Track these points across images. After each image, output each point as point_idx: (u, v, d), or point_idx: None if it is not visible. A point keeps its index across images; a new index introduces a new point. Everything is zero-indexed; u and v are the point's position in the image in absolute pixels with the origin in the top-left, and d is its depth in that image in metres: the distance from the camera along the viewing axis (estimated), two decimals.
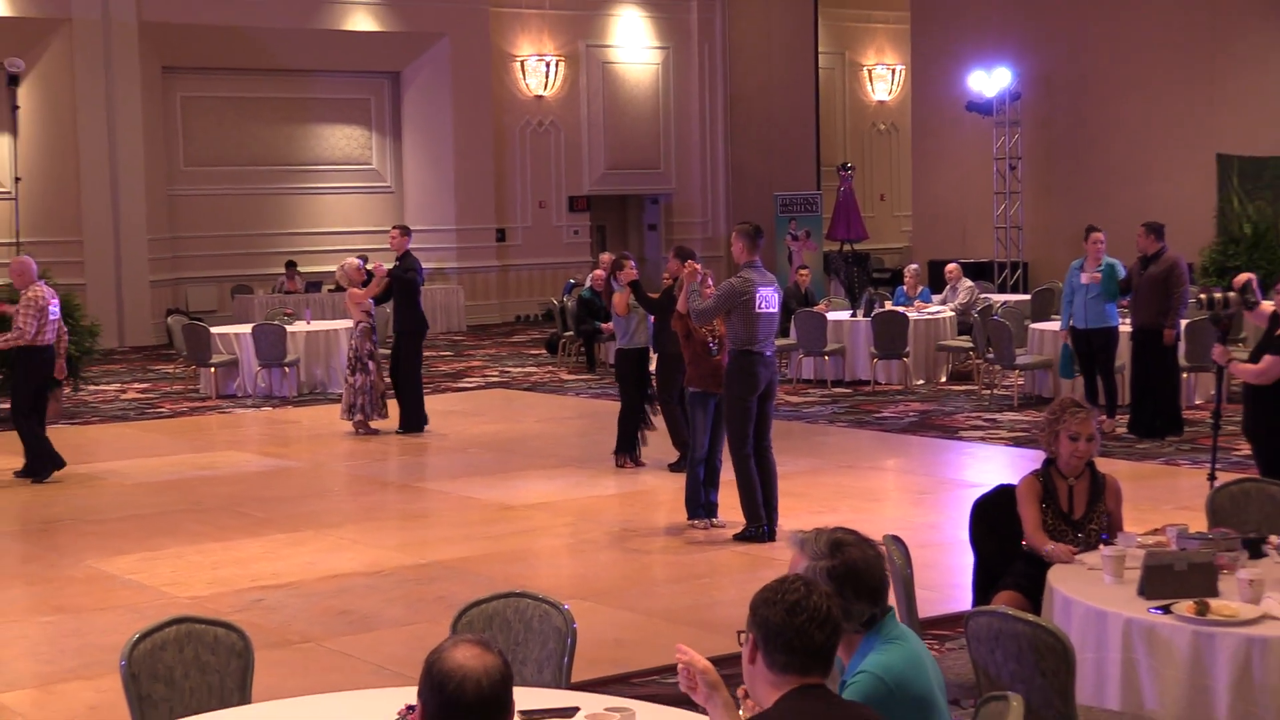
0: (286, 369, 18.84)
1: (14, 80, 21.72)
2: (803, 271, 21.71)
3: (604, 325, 20.81)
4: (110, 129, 25.72)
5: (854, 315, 19.36)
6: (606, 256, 23.06)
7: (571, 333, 21.51)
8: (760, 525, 10.45)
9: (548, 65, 30.20)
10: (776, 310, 10.37)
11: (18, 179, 22.15)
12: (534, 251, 30.32)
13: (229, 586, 9.53)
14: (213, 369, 19.09)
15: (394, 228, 16.23)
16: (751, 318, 10.18)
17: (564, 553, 10.68)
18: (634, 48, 31.37)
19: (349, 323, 20.45)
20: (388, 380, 15.85)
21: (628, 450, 13.50)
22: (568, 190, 30.73)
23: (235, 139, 28.00)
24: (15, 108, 22.14)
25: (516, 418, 17.04)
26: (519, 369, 21.64)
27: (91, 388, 19.29)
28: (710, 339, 10.68)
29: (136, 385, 20.47)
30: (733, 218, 32.22)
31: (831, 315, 19.31)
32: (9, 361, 13.62)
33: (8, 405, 14.41)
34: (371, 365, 15.41)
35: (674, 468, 12.99)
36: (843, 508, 11.45)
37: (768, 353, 10.30)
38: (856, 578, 4.00)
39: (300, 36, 27.61)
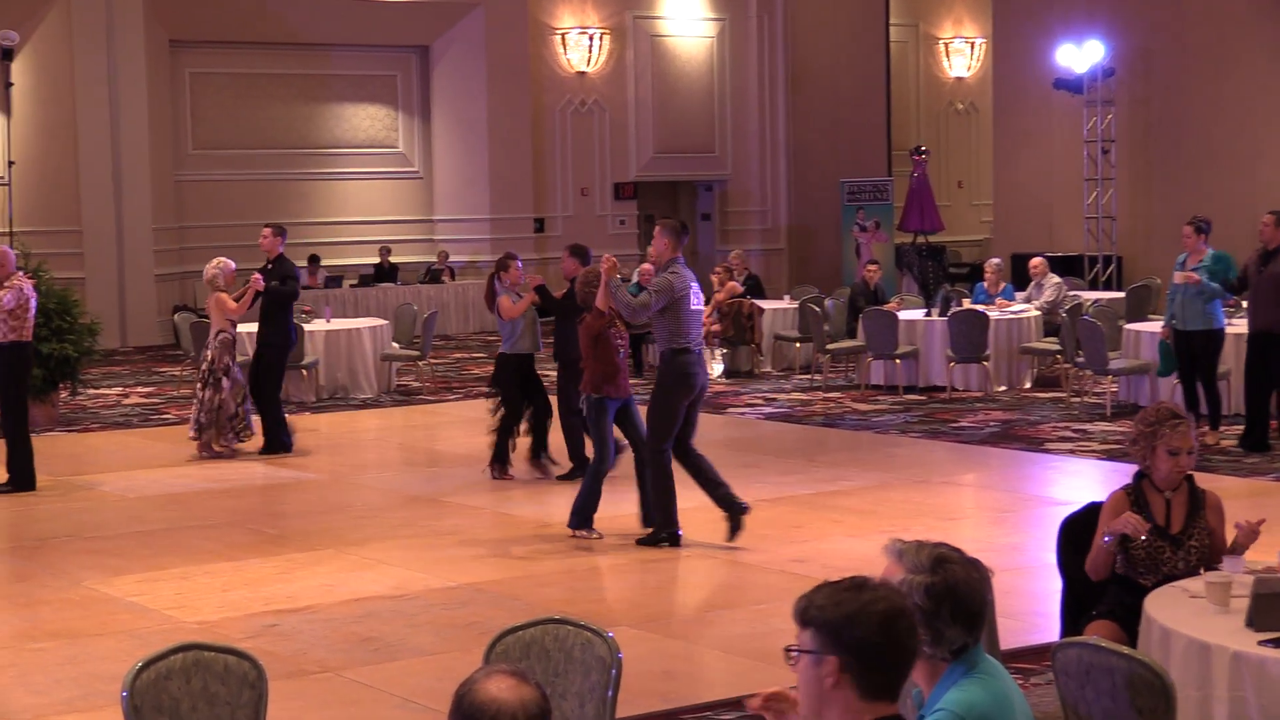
0: (305, 371, 18.91)
1: (7, 54, 21.91)
2: (871, 266, 21.65)
3: None
4: (112, 108, 25.89)
5: (928, 314, 19.29)
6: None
7: None
8: (674, 531, 10.93)
9: (591, 39, 30.23)
10: (702, 308, 11.08)
11: (11, 163, 22.33)
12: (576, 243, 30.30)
13: (240, 610, 9.56)
14: None
15: (265, 227, 15.86)
16: (686, 315, 10.82)
17: (607, 575, 10.67)
18: (686, 19, 31.37)
19: (375, 321, 20.60)
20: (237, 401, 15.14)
21: (501, 460, 13.62)
22: (613, 176, 30.75)
23: (248, 120, 28.13)
24: (9, 85, 22.33)
25: (556, 425, 17.02)
26: None
27: (91, 392, 19.39)
28: (618, 340, 11.18)
29: (140, 389, 20.59)
30: (794, 206, 32.20)
31: (903, 314, 19.24)
32: None
33: None
34: (226, 383, 14.85)
35: (566, 478, 13.18)
36: (915, 527, 11.39)
37: (699, 350, 10.93)
38: (956, 599, 3.96)
39: (320, 6, 27.73)
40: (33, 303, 13.48)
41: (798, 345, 21.12)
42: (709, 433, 16.46)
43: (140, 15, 26.09)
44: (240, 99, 28.06)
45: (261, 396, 15.32)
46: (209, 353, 15.00)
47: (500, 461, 13.62)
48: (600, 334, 11.11)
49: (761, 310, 20.79)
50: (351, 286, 26.50)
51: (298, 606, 9.61)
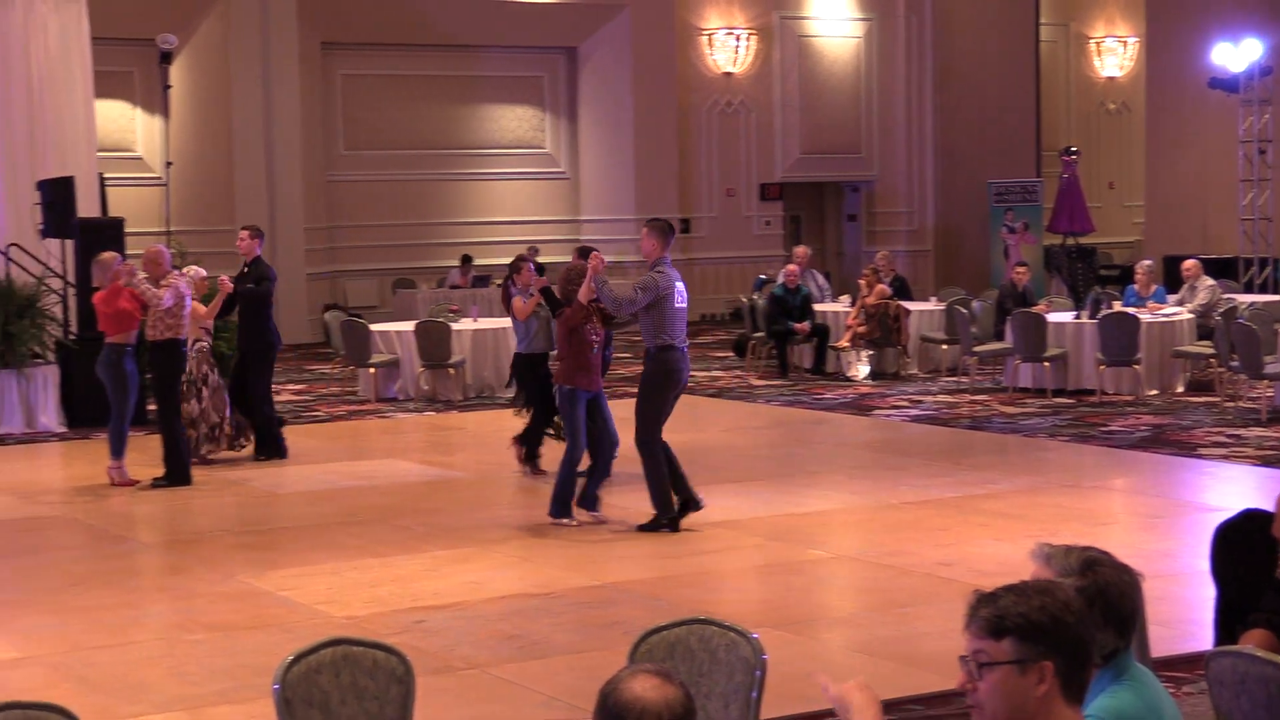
0: (452, 370, 19.07)
1: (166, 58, 22.32)
2: (1020, 269, 21.43)
3: (798, 326, 20.78)
4: (266, 110, 26.32)
5: (1078, 317, 19.07)
6: (802, 250, 23.10)
7: (762, 334, 21.47)
8: (671, 514, 11.37)
9: (738, 39, 30.21)
10: (686, 305, 11.47)
11: (168, 164, 22.74)
12: (721, 244, 30.34)
13: (388, 606, 9.66)
14: (372, 370, 19.40)
15: (243, 229, 15.63)
16: (670, 312, 11.25)
17: (752, 576, 10.66)
18: (833, 20, 31.24)
19: None
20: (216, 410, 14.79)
21: (533, 458, 13.88)
22: (759, 177, 30.71)
23: (398, 120, 28.44)
24: (167, 87, 22.74)
25: (701, 427, 17.03)
26: (704, 373, 21.64)
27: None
28: (593, 335, 11.56)
29: (291, 386, 20.87)
30: (941, 208, 31.96)
31: (1052, 317, 19.05)
32: (150, 362, 14.00)
33: (153, 408, 14.82)
34: (205, 392, 14.49)
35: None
36: (1064, 532, 11.24)
37: (684, 348, 11.40)
38: (1107, 602, 3.90)
39: (469, 9, 27.96)
40: (188, 300, 13.74)
41: (944, 347, 20.97)
42: (855, 434, 16.46)
43: (294, 19, 26.49)
44: (390, 100, 28.37)
45: (246, 401, 14.95)
46: (189, 364, 14.41)
47: (532, 457, 13.88)
48: (577, 328, 11.50)
49: (908, 312, 20.66)
50: (498, 286, 26.65)
51: (445, 603, 9.68)
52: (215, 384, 14.64)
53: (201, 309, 14.64)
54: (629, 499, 11.83)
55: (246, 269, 15.14)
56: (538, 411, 13.90)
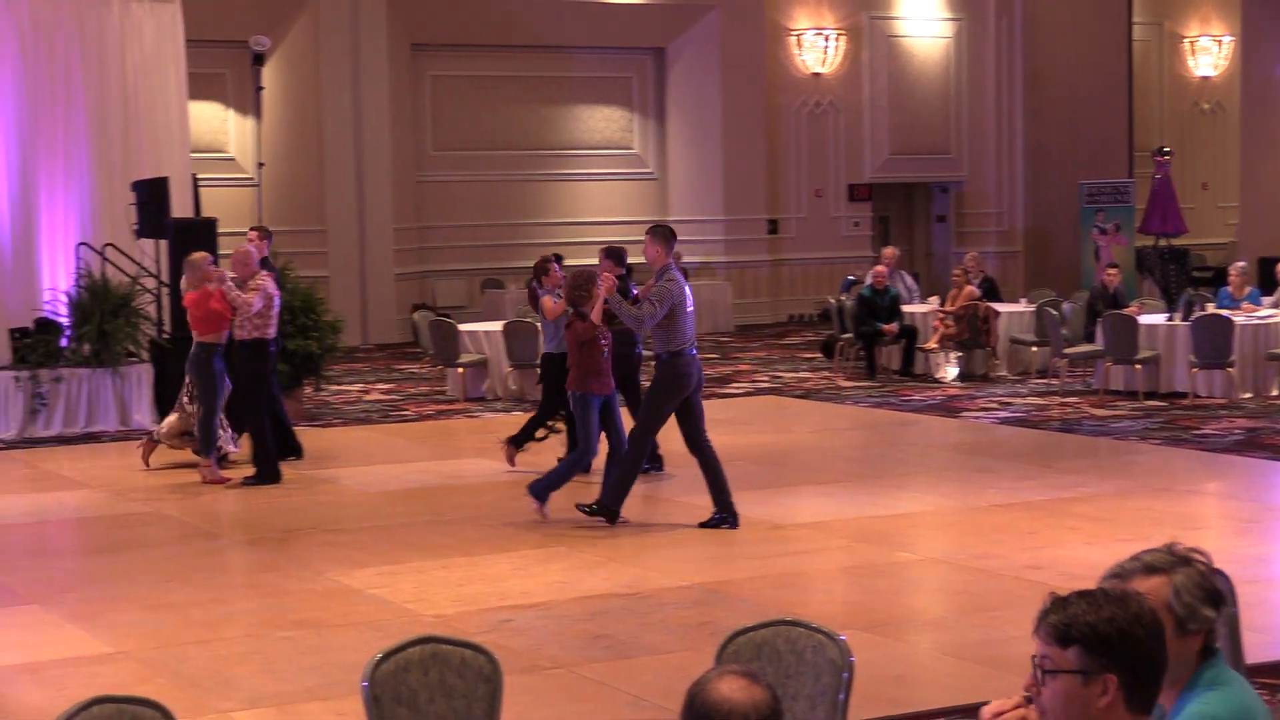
0: (538, 369, 19.10)
1: (258, 59, 22.50)
2: (1111, 270, 21.24)
3: (886, 327, 20.70)
4: (356, 111, 26.50)
5: (1170, 319, 18.91)
6: (890, 251, 23.01)
7: (850, 335, 21.41)
8: (615, 509, 11.65)
9: (827, 39, 30.12)
10: (694, 309, 11.73)
11: (260, 164, 22.93)
12: (809, 245, 30.27)
13: (475, 605, 9.70)
14: (461, 369, 19.49)
15: (251, 229, 15.57)
16: (682, 318, 11.45)
17: (839, 577, 10.62)
18: (923, 20, 31.09)
19: None
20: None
21: (518, 443, 14.13)
22: (847, 178, 30.60)
23: (487, 121, 28.56)
24: (259, 88, 22.92)
25: (788, 428, 17.02)
26: (791, 374, 21.61)
27: (333, 388, 19.87)
28: (604, 341, 11.88)
29: (380, 386, 21.01)
30: (1031, 208, 31.73)
31: (1144, 319, 18.87)
32: (237, 360, 14.13)
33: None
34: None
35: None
36: (1156, 536, 11.09)
37: (695, 351, 11.64)
38: (1200, 577, 3.85)
39: (557, 9, 28.03)
40: (276, 300, 13.86)
41: (1034, 349, 20.82)
42: (943, 436, 16.37)
43: (384, 20, 26.66)
44: (479, 101, 28.48)
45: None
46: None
47: (517, 444, 14.08)
48: (589, 340, 11.79)
49: (997, 313, 20.54)
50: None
51: (532, 602, 9.72)
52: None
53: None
54: (704, 499, 11.80)
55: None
56: (543, 409, 14.16)
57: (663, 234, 11.81)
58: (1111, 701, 3.32)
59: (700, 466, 11.73)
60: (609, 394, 11.99)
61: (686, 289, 11.61)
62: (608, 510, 11.74)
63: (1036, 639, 3.37)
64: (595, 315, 11.77)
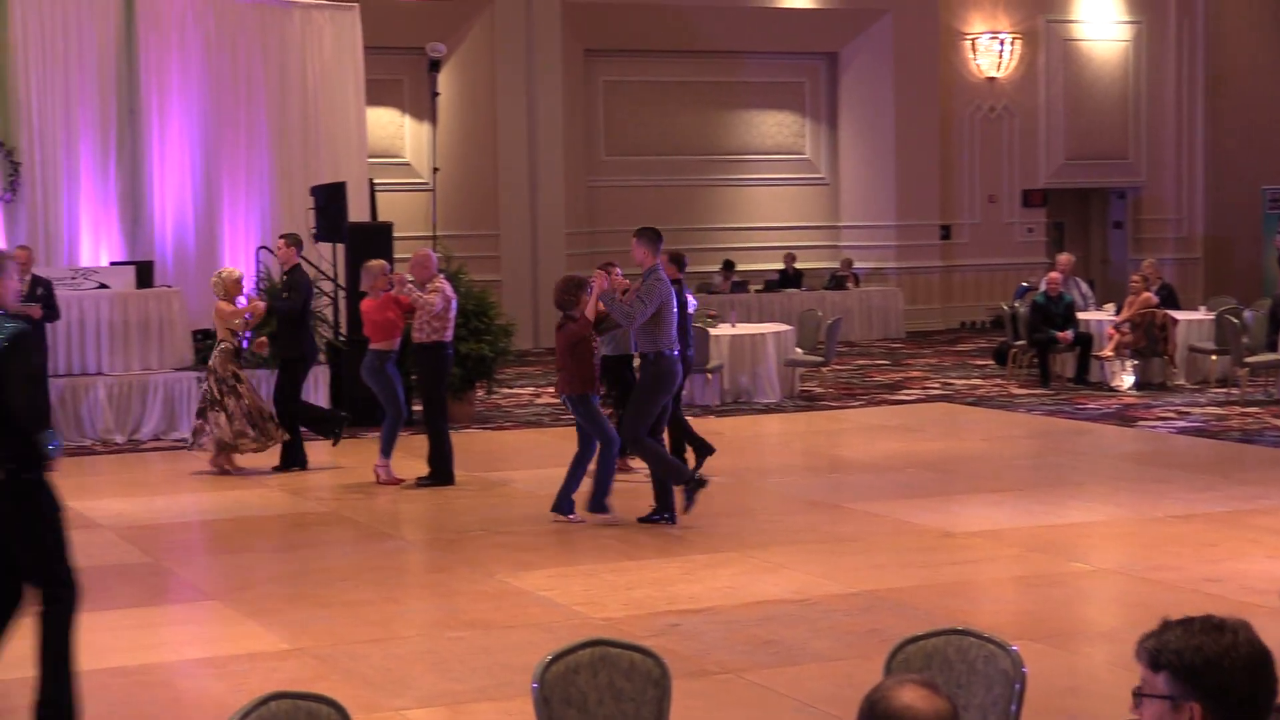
0: (709, 375, 19.14)
1: (434, 66, 22.78)
2: None
3: (1060, 335, 20.43)
4: (530, 116, 26.72)
5: None
6: (1065, 257, 22.71)
7: (1024, 342, 21.18)
8: (693, 477, 12.06)
9: (1002, 43, 29.81)
10: (694, 311, 12.04)
11: (435, 169, 23.21)
12: (982, 251, 29.97)
13: (644, 609, 9.73)
14: None
15: (280, 237, 15.59)
16: (668, 320, 11.78)
17: (1011, 587, 10.50)
18: (1101, 23, 30.65)
19: (779, 326, 20.70)
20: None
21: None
22: (1021, 183, 30.26)
23: (659, 126, 28.65)
24: (435, 94, 23.21)
25: (960, 435, 16.87)
26: (963, 381, 21.41)
27: (505, 391, 20.04)
28: (594, 342, 12.20)
29: (551, 390, 21.12)
30: (1211, 215, 31.15)
31: None
32: (417, 362, 14.34)
33: (419, 408, 15.14)
34: (241, 388, 14.59)
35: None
36: None
37: (689, 352, 12.04)
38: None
39: (730, 15, 28.05)
40: (453, 304, 14.06)
41: (1214, 358, 20.42)
42: (1118, 445, 16.12)
43: (558, 26, 26.86)
44: (651, 106, 28.58)
45: (282, 412, 15.00)
46: (213, 364, 14.69)
47: (621, 453, 13.87)
48: (582, 339, 12.01)
49: (1175, 321, 20.18)
50: (757, 292, 26.70)
51: (700, 607, 9.73)
52: (248, 380, 14.92)
53: (227, 308, 14.77)
54: (879, 505, 11.71)
55: (285, 276, 15.28)
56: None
57: (649, 237, 12.10)
58: None
59: (644, 459, 12.25)
60: (597, 393, 12.39)
61: (675, 293, 12.09)
62: (599, 505, 12.21)
63: (1137, 661, 3.40)
64: (591, 311, 12.08)
